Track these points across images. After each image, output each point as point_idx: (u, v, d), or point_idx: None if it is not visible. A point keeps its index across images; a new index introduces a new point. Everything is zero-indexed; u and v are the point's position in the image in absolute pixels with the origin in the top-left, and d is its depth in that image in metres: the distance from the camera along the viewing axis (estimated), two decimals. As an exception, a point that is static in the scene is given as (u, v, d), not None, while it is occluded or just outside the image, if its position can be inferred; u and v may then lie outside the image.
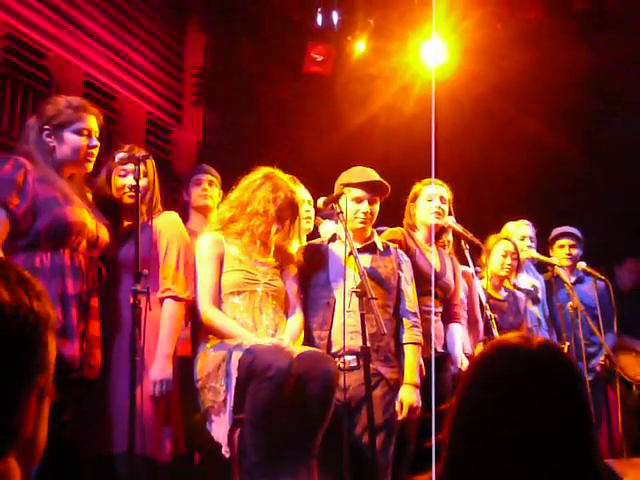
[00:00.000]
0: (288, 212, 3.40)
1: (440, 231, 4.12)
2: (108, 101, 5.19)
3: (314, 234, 4.06)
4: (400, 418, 3.36)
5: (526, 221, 5.10)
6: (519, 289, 4.72)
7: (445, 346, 3.89)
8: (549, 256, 5.15)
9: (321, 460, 3.16)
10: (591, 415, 1.27)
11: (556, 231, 5.34)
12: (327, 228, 4.07)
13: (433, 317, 3.74)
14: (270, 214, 3.33)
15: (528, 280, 4.92)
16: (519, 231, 5.02)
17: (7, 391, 0.85)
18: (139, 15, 5.61)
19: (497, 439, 1.20)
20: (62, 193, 2.87)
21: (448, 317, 3.98)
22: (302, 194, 3.88)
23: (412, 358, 3.49)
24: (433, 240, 4.00)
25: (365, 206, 3.53)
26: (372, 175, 3.59)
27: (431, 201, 3.96)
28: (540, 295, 4.94)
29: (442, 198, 4.01)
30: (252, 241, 3.35)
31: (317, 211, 3.82)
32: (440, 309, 3.91)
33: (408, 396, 3.38)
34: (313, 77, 6.33)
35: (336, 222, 3.63)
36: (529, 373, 1.25)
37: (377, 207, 3.60)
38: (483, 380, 1.28)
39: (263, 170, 3.47)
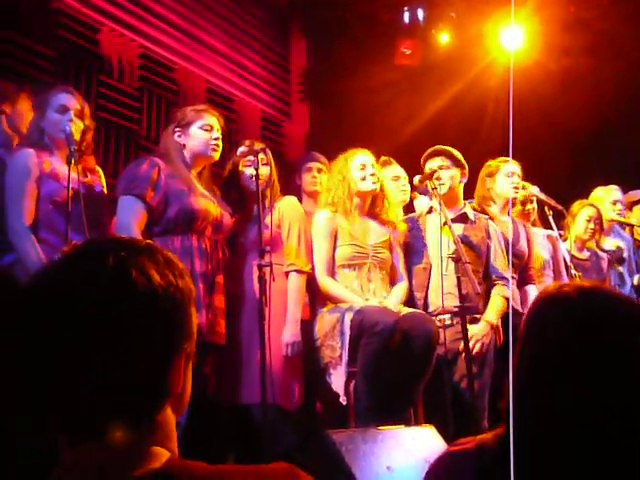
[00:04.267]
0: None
1: (522, 202, 4.07)
2: (227, 103, 5.28)
3: (410, 208, 4.02)
4: (473, 352, 3.19)
5: (615, 186, 4.78)
6: (604, 251, 4.51)
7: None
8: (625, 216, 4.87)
9: (426, 405, 3.16)
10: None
11: (638, 195, 5.02)
12: (422, 202, 4.02)
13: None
14: (348, 177, 3.34)
15: (613, 242, 4.69)
16: (610, 196, 4.73)
17: (163, 357, 0.88)
18: (249, 27, 5.67)
19: (550, 387, 1.08)
20: (189, 186, 2.95)
21: (524, 280, 3.88)
22: (396, 170, 3.87)
23: (497, 303, 3.43)
24: (511, 210, 3.93)
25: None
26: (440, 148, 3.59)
27: (510, 177, 3.87)
28: (625, 255, 4.68)
29: (518, 175, 3.92)
30: (348, 209, 3.35)
31: (413, 188, 3.78)
32: (515, 275, 3.82)
33: (478, 330, 3.29)
34: (403, 68, 6.22)
35: (430, 198, 3.57)
36: (567, 318, 1.10)
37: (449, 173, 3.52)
38: (529, 330, 1.16)
39: (344, 155, 3.46)
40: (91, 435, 0.85)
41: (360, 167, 3.38)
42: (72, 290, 0.85)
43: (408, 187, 3.94)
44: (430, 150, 3.60)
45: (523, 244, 3.88)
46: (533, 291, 3.88)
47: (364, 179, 3.36)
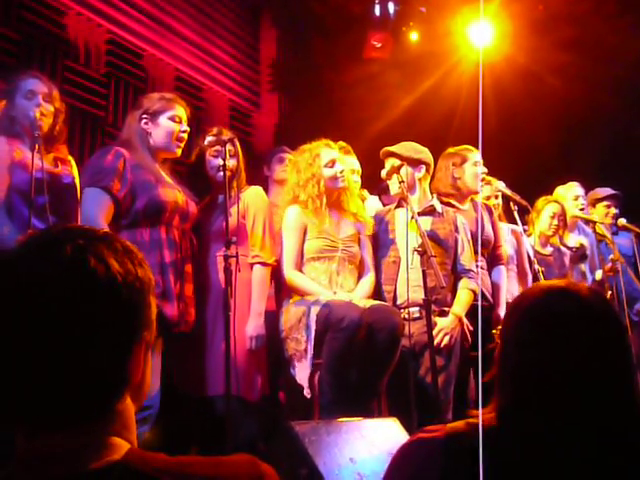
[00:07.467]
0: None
1: (487, 197, 4.15)
2: (196, 92, 5.23)
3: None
4: (436, 343, 3.19)
5: (574, 182, 4.87)
6: (568, 247, 4.58)
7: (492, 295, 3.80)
8: (589, 213, 4.96)
9: (390, 398, 3.18)
10: (632, 358, 1.16)
11: (602, 192, 5.10)
12: (371, 204, 4.00)
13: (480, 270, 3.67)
14: (317, 174, 3.32)
15: (576, 239, 4.77)
16: (571, 192, 4.81)
17: (121, 346, 0.87)
18: (219, 16, 5.61)
19: (544, 379, 1.11)
20: (155, 176, 2.91)
21: (492, 260, 3.87)
22: (352, 163, 3.78)
23: (464, 297, 3.45)
24: (480, 199, 3.96)
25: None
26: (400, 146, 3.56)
27: (477, 166, 3.87)
28: (588, 252, 4.76)
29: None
30: (319, 207, 3.33)
31: (380, 181, 3.77)
32: (484, 262, 3.80)
33: (446, 322, 3.31)
34: (373, 62, 6.23)
35: (400, 191, 3.54)
36: (581, 315, 1.14)
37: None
38: (531, 321, 1.17)
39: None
40: (48, 425, 0.84)
41: (329, 164, 3.36)
42: (28, 277, 0.83)
43: (359, 183, 3.91)
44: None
45: (488, 229, 3.88)
46: (502, 274, 3.88)
47: (336, 178, 3.36)
